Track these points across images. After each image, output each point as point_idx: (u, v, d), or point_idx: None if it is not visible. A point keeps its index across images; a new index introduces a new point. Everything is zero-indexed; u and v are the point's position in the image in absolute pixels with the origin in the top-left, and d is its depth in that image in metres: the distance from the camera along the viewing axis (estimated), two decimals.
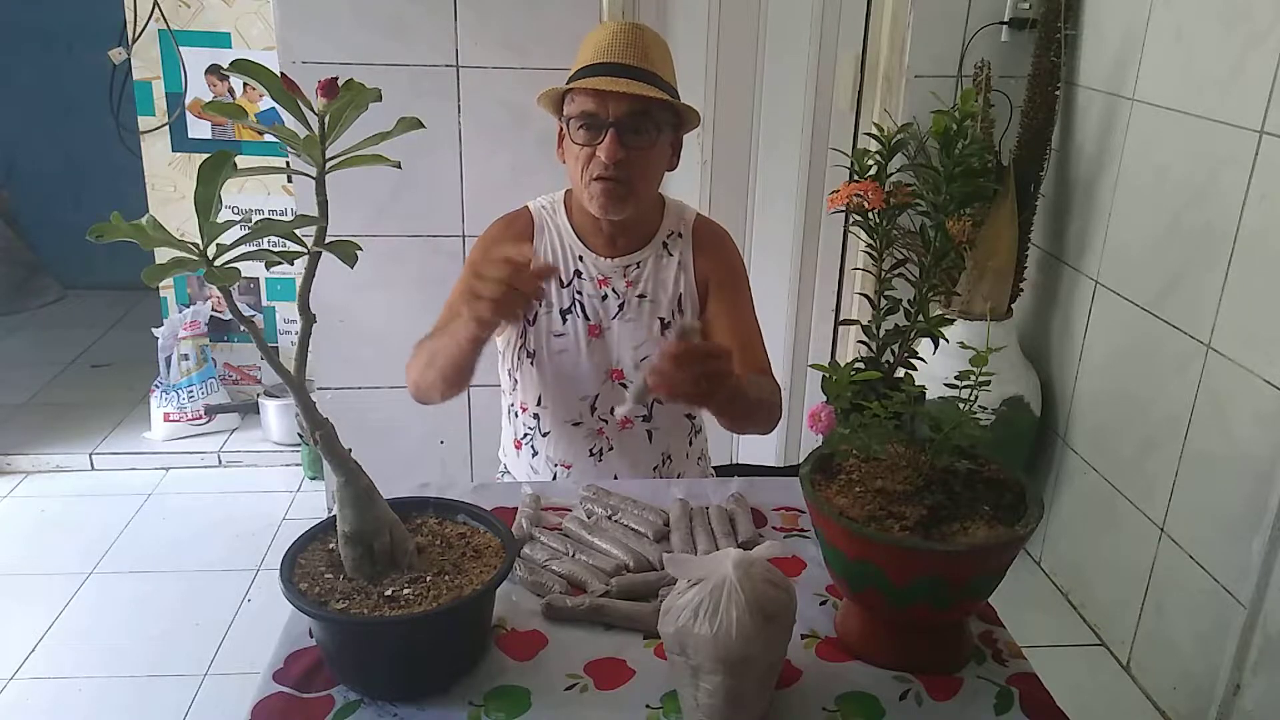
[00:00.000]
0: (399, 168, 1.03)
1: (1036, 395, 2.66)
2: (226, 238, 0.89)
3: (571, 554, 1.25)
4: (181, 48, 3.15)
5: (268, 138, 2.72)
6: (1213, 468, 2.05)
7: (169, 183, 3.31)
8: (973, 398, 1.08)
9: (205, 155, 0.90)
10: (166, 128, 3.26)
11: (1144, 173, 2.30)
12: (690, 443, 1.73)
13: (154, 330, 3.32)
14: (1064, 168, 2.63)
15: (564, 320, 1.60)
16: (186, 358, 3.32)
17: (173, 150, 3.27)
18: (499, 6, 2.48)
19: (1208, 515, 2.06)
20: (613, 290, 1.60)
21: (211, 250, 0.88)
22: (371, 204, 2.58)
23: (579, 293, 1.60)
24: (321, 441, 1.02)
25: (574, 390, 1.63)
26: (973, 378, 1.09)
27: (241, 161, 0.94)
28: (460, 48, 2.50)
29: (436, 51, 2.50)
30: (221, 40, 3.15)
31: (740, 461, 3.07)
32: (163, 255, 0.85)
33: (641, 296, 1.61)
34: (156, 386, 3.33)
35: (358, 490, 1.04)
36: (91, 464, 3.24)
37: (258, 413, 3.39)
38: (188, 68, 3.18)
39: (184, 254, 0.88)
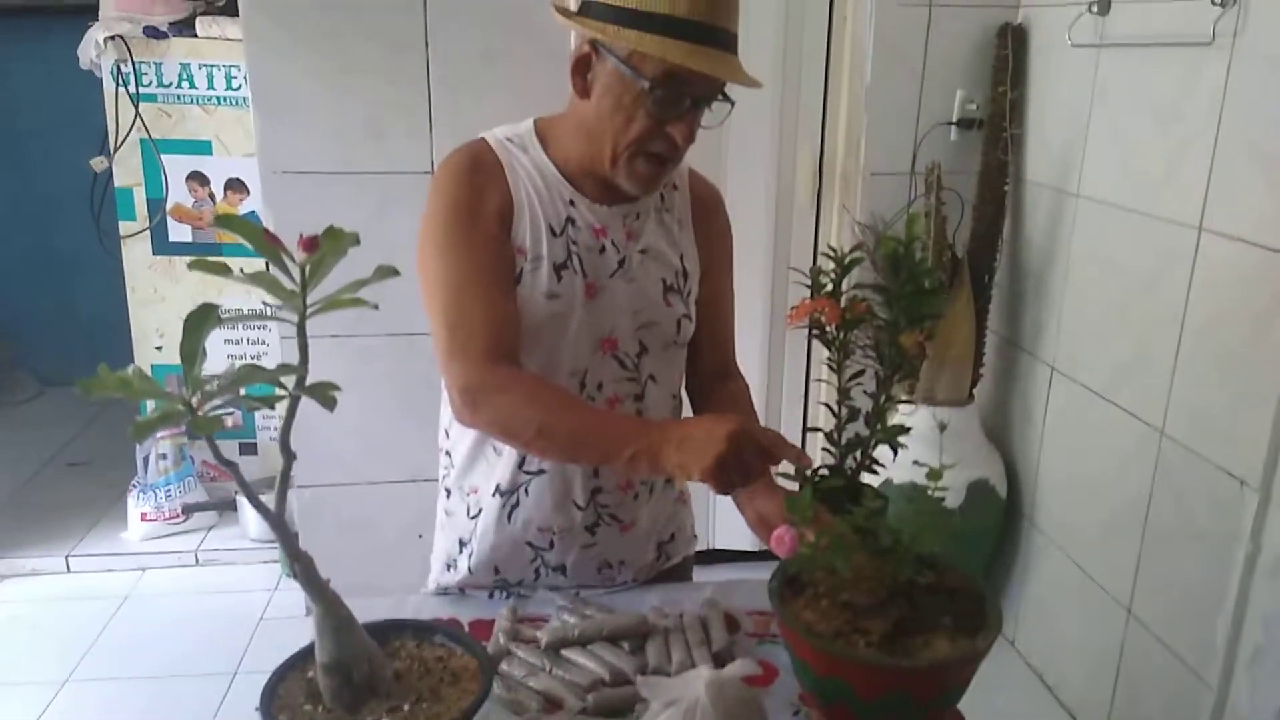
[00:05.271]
0: (376, 309, 1.09)
1: (1002, 478, 2.71)
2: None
3: (548, 669, 1.28)
4: (163, 155, 3.22)
5: None
6: (1174, 549, 2.09)
7: (149, 285, 3.33)
8: (938, 499, 1.13)
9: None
10: (147, 232, 3.31)
11: (1092, 265, 2.39)
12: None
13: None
14: (1016, 259, 2.73)
15: (559, 277, 1.33)
16: (164, 456, 3.32)
17: (153, 254, 3.30)
18: (474, 114, 2.57)
19: (1172, 596, 2.11)
20: (611, 243, 1.37)
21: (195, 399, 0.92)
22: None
23: (574, 243, 1.35)
24: (301, 573, 1.05)
25: (562, 365, 1.36)
26: (931, 490, 1.14)
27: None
28: (435, 156, 2.59)
29: (414, 157, 2.59)
30: (203, 148, 3.22)
31: (717, 546, 3.10)
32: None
33: (644, 252, 1.39)
34: (134, 486, 3.33)
35: (337, 620, 1.07)
36: (68, 566, 3.21)
37: (235, 509, 3.39)
38: (169, 174, 3.24)
39: (170, 407, 0.93)
